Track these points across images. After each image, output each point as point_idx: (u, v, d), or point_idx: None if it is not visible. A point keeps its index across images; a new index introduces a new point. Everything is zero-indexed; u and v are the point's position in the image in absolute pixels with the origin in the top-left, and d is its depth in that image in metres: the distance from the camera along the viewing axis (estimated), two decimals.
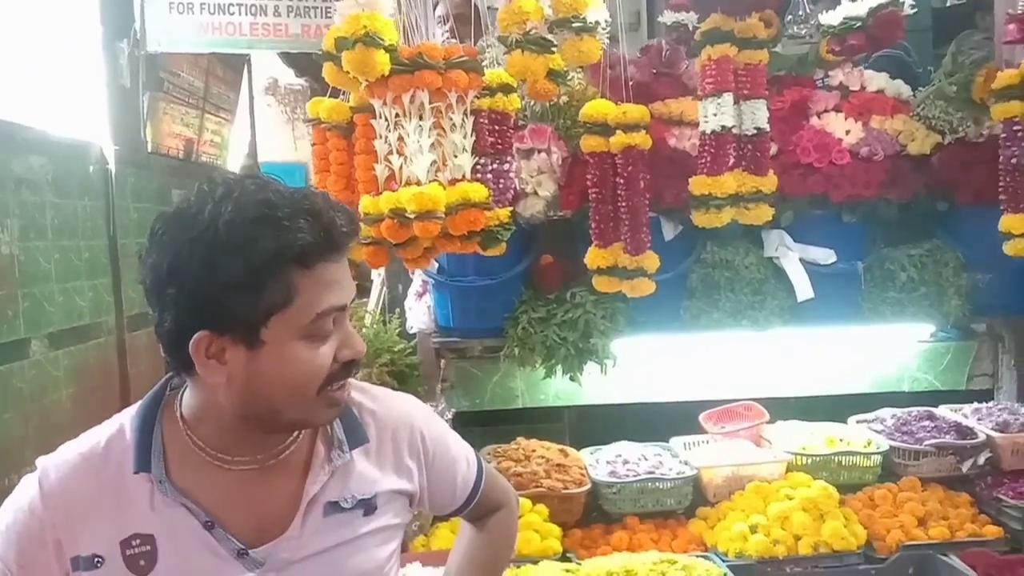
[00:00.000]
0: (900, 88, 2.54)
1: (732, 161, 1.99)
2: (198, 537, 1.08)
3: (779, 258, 2.54)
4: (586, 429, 3.11)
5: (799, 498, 2.37)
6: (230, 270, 0.98)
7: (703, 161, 1.96)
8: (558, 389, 2.82)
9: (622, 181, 2.02)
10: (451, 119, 1.71)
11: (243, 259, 0.98)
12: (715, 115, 1.91)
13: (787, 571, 2.25)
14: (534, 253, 2.57)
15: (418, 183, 1.69)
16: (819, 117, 2.49)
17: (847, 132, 2.45)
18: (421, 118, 1.68)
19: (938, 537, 2.31)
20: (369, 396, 1.26)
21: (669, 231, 2.49)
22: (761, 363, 2.84)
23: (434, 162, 1.71)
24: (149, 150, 4.90)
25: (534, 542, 2.26)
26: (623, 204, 2.02)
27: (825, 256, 2.52)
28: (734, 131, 1.96)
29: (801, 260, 2.52)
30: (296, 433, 1.14)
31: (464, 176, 1.74)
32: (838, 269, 2.52)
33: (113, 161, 4.24)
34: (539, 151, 2.40)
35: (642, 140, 1.98)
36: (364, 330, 2.48)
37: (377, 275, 2.99)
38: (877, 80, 2.55)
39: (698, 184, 1.93)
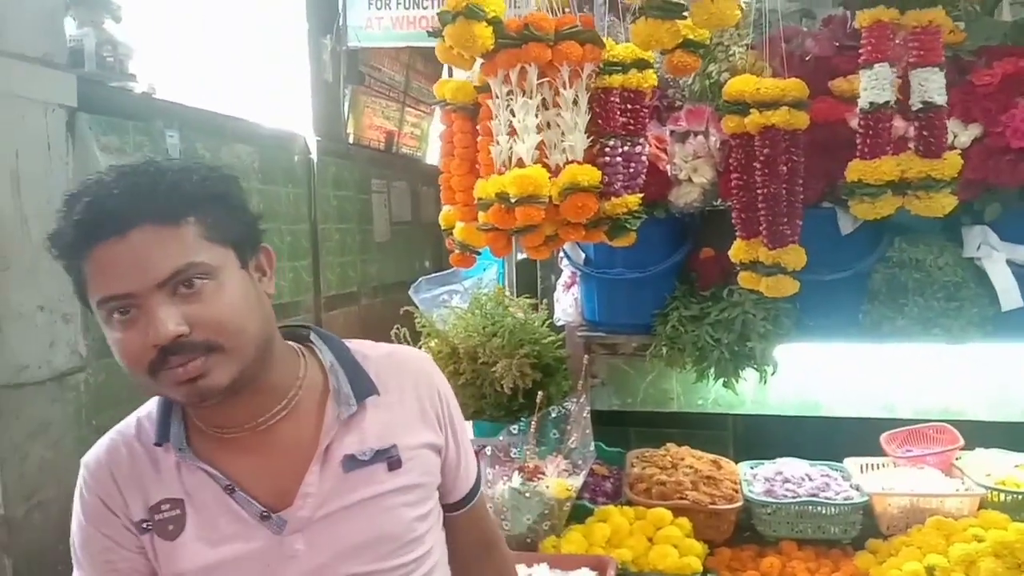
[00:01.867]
0: None
1: (895, 143, 1.70)
2: (221, 501, 1.09)
3: (981, 259, 2.18)
4: (753, 441, 2.87)
5: (991, 541, 2.01)
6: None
7: (859, 143, 1.69)
8: (718, 395, 2.61)
9: (759, 165, 1.79)
10: (563, 95, 1.59)
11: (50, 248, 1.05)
12: (866, 90, 1.64)
13: None
14: (689, 245, 2.38)
15: (522, 165, 1.59)
16: None
17: None
18: (529, 95, 1.58)
19: None
20: (386, 351, 1.25)
21: (847, 224, 2.21)
22: (958, 380, 2.47)
23: (542, 143, 1.60)
24: (351, 141, 5.20)
25: (671, 557, 2.09)
26: (760, 191, 1.80)
27: None
28: (893, 107, 1.67)
29: (1008, 262, 2.15)
30: (288, 398, 1.13)
31: (576, 158, 1.61)
32: None
33: (316, 151, 4.53)
34: (696, 134, 2.21)
35: (783, 119, 1.74)
36: (508, 319, 2.42)
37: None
38: None
39: (852, 169, 1.67)
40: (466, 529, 1.31)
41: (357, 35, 4.75)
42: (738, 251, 1.93)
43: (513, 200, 1.58)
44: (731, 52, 2.22)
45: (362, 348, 1.23)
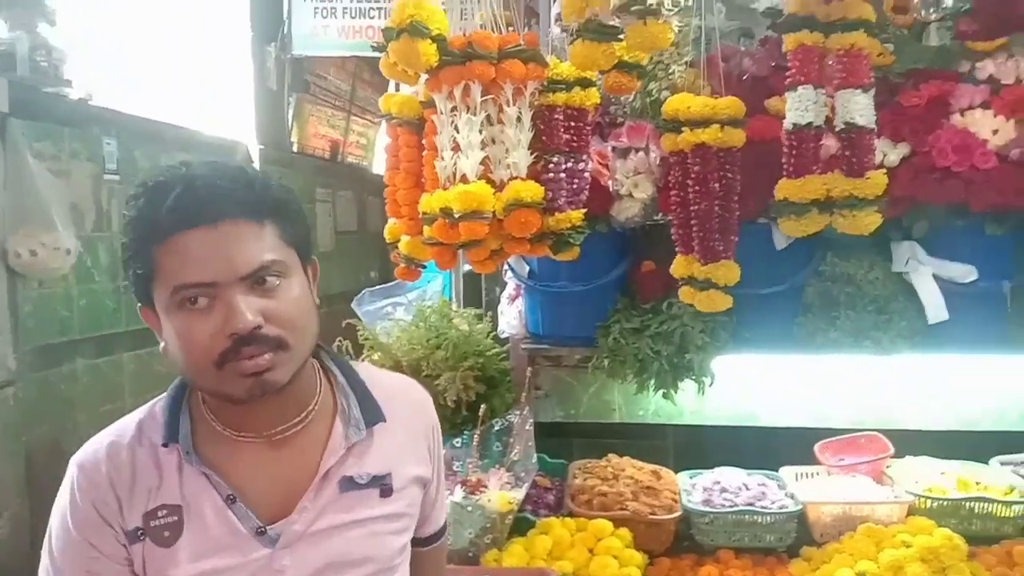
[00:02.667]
0: None
1: (827, 161, 1.76)
2: (220, 511, 1.09)
3: (909, 273, 2.27)
4: (692, 450, 2.91)
5: (918, 546, 2.08)
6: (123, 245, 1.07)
7: (784, 162, 1.75)
8: (658, 406, 2.65)
9: (691, 182, 1.83)
10: (507, 113, 1.61)
11: (124, 235, 1.06)
12: (791, 111, 1.70)
13: None
14: (631, 259, 2.42)
15: (466, 180, 1.60)
16: (962, 115, 2.19)
17: (994, 132, 2.13)
18: (473, 112, 1.59)
19: None
20: (389, 379, 1.29)
21: (781, 240, 2.27)
22: (889, 391, 2.55)
23: (486, 159, 1.62)
24: (295, 150, 5.15)
25: (611, 568, 2.11)
26: (692, 208, 1.85)
27: (964, 273, 2.21)
28: (819, 127, 1.73)
29: (935, 276, 2.24)
30: (307, 411, 1.14)
31: (519, 174, 1.64)
32: (980, 288, 2.21)
33: (258, 159, 4.48)
34: (637, 150, 2.25)
35: (713, 137, 1.78)
36: (452, 332, 2.42)
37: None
38: None
39: (779, 188, 1.72)
40: (426, 566, 1.32)
41: (302, 43, 4.71)
42: (678, 266, 1.97)
43: (457, 215, 1.59)
44: (671, 71, 2.27)
45: (368, 372, 1.25)
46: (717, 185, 1.80)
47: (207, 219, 1.01)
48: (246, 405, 1.07)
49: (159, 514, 1.08)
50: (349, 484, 1.14)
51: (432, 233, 1.66)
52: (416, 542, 1.28)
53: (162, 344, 1.08)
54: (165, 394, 1.16)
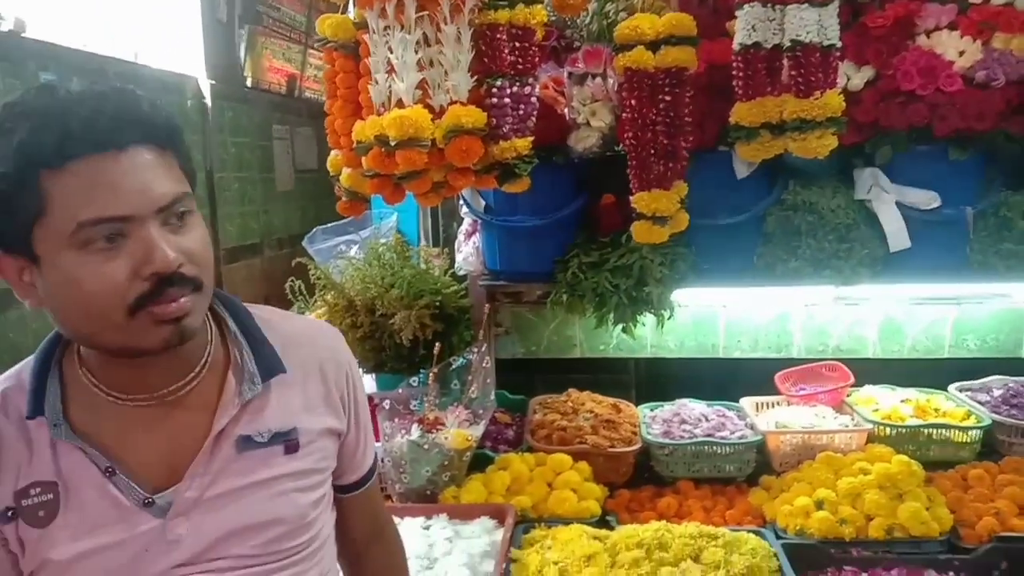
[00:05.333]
0: None
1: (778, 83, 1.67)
2: (99, 484, 1.00)
3: (872, 201, 2.22)
4: (655, 383, 2.91)
5: (876, 473, 2.09)
6: None
7: (735, 84, 1.67)
8: (620, 340, 2.62)
9: (626, 109, 1.75)
10: (445, 31, 1.51)
11: None
12: (740, 31, 1.62)
13: (853, 555, 1.97)
14: (590, 191, 2.35)
15: (401, 105, 1.51)
16: (928, 36, 2.12)
17: (961, 53, 2.07)
18: (408, 30, 1.49)
19: None
20: (293, 323, 1.18)
21: (742, 168, 2.21)
22: (850, 319, 2.54)
23: (424, 83, 1.52)
24: (248, 85, 4.96)
25: (570, 502, 2.10)
26: (627, 136, 1.76)
27: (927, 200, 2.17)
28: (776, 47, 1.64)
29: (898, 204, 2.19)
30: (199, 367, 1.04)
31: (459, 98, 1.54)
32: (942, 215, 2.16)
33: (210, 95, 4.30)
34: (594, 76, 2.15)
35: (640, 59, 1.67)
36: (407, 270, 2.35)
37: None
38: None
39: (734, 112, 1.65)
40: (358, 511, 1.26)
41: None
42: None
43: (393, 143, 1.50)
44: None
45: (267, 315, 1.14)
46: (654, 111, 1.70)
47: (114, 143, 0.90)
48: (143, 361, 0.98)
49: (31, 492, 0.98)
50: (248, 444, 1.04)
51: (368, 163, 1.57)
52: (342, 489, 1.22)
53: (35, 300, 0.95)
54: (33, 357, 1.04)
